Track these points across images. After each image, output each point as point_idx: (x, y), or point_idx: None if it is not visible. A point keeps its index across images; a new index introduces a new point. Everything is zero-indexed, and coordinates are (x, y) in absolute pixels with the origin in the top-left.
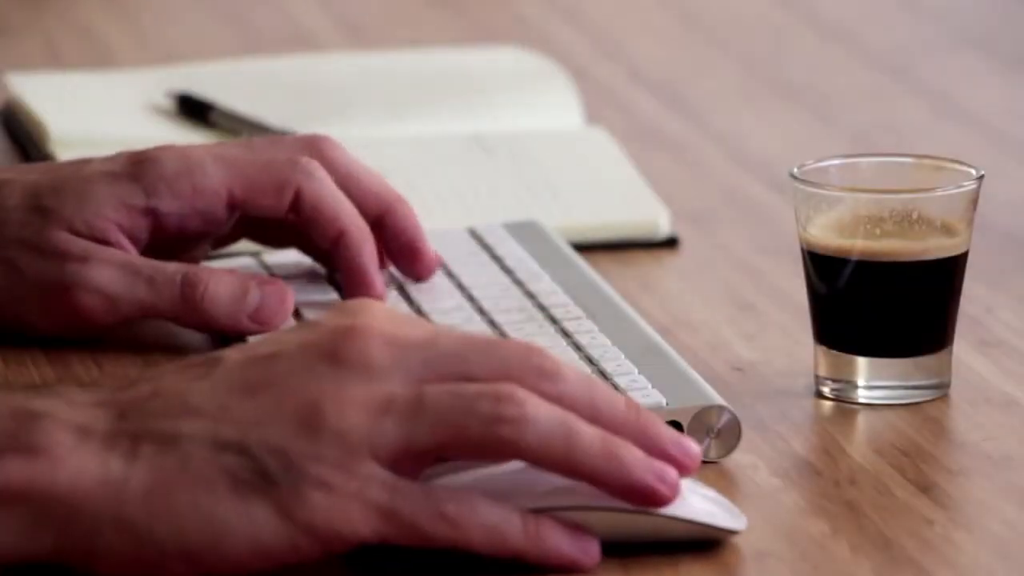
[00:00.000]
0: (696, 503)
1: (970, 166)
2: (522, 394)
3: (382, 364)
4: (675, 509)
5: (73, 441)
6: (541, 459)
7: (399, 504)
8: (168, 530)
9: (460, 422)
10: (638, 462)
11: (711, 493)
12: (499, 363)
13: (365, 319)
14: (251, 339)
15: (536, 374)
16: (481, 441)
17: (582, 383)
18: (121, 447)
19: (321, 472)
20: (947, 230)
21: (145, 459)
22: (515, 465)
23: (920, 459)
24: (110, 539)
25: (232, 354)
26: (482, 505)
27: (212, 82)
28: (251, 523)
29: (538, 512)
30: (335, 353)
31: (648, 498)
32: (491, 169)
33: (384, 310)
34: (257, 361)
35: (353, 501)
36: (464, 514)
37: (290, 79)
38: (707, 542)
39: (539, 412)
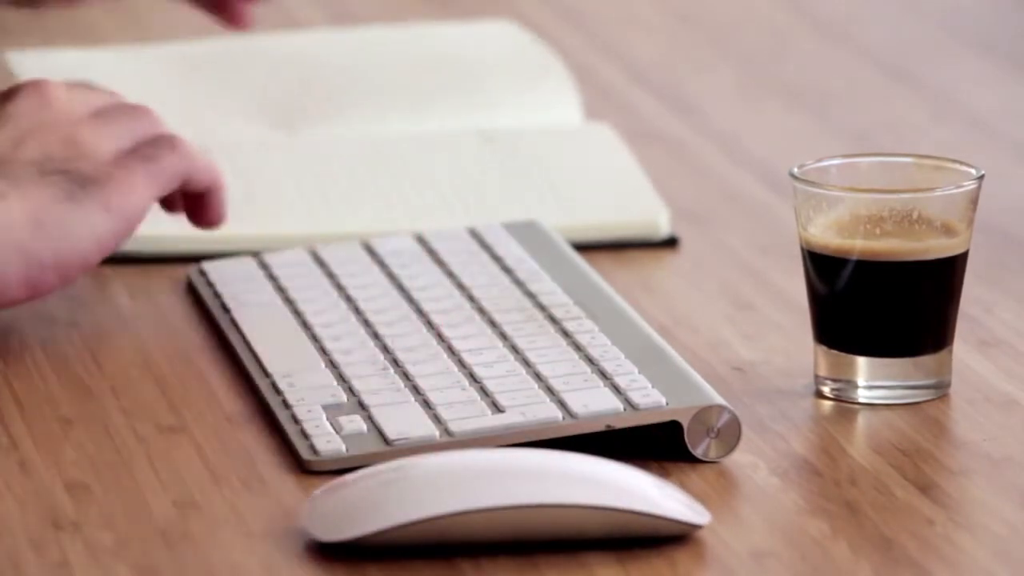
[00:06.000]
0: (663, 501)
1: (970, 166)
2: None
3: (75, 96)
4: (645, 506)
5: None
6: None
7: (161, 163)
8: (45, 244)
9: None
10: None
11: (676, 492)
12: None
13: (32, 81)
14: None
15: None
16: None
17: None
18: None
19: (104, 173)
20: (947, 230)
21: (10, 192)
22: (492, 460)
23: (920, 459)
24: (6, 265)
25: None
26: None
27: (209, 65)
28: (90, 223)
29: (516, 508)
30: (47, 102)
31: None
32: (491, 167)
33: None
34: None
35: (129, 178)
36: (183, 149)
37: (289, 76)
38: (707, 542)
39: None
